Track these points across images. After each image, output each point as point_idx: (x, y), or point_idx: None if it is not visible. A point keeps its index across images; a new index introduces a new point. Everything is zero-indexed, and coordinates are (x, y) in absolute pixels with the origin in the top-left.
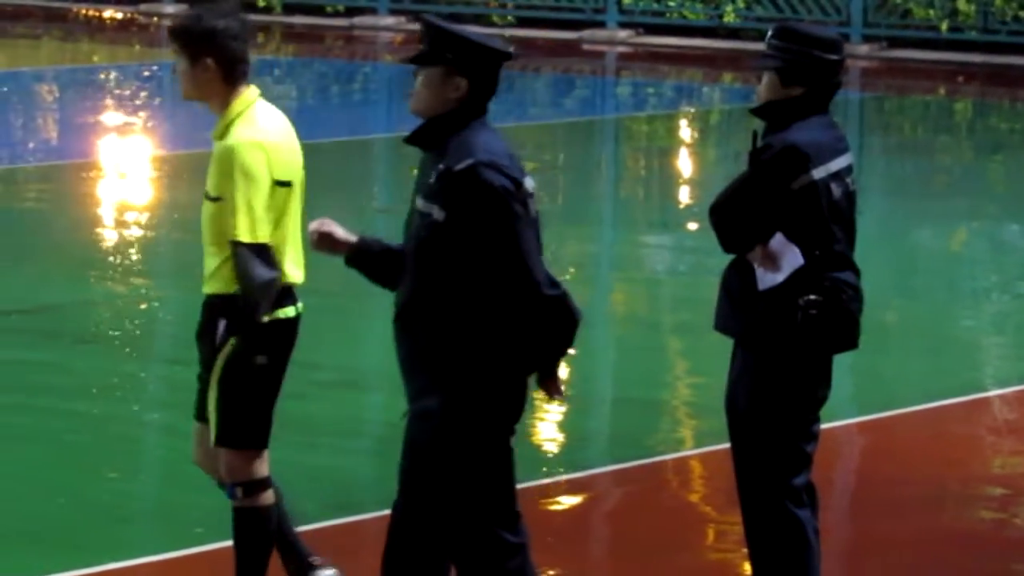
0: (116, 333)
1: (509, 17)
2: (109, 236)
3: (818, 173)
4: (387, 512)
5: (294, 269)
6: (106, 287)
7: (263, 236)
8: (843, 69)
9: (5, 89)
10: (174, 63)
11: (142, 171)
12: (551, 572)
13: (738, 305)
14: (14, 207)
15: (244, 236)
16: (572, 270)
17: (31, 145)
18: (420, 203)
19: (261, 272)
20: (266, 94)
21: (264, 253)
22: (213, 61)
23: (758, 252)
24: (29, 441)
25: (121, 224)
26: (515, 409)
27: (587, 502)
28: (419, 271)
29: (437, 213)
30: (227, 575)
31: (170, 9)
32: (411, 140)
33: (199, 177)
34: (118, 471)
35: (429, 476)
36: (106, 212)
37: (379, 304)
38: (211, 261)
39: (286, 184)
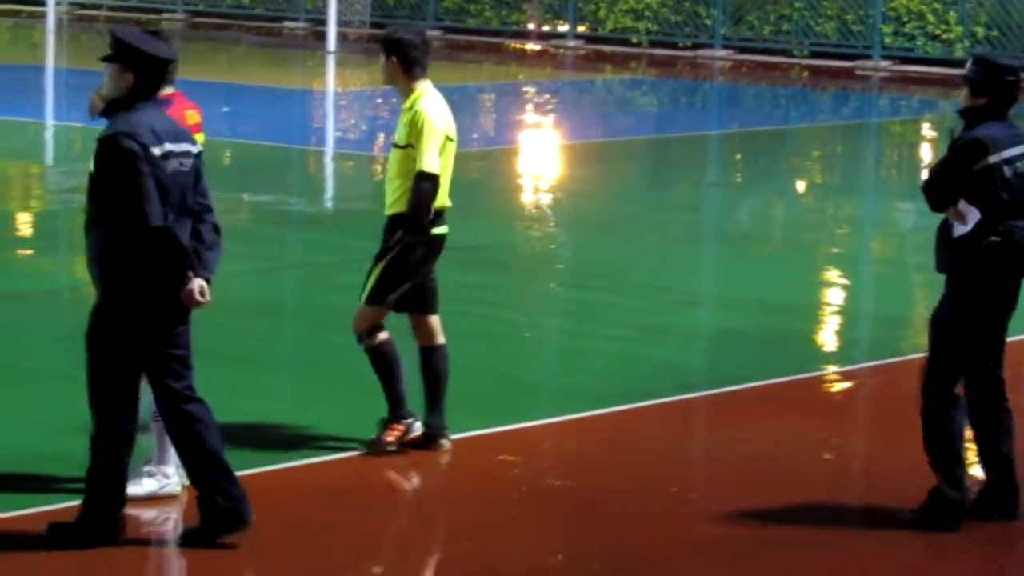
0: (530, 264)
1: (805, 51)
2: (525, 198)
3: (994, 158)
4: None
5: (445, 199)
6: (524, 232)
7: (436, 168)
8: (1020, 88)
9: (457, 98)
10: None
11: (551, 154)
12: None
13: (943, 249)
14: (462, 177)
15: (426, 168)
16: (846, 227)
17: (474, 135)
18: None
19: (427, 188)
20: (635, 103)
21: (434, 180)
22: (396, 60)
23: (951, 211)
24: (466, 336)
25: (534, 190)
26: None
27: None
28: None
29: None
30: (601, 437)
31: (572, 43)
32: None
33: (592, 158)
34: (523, 357)
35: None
36: (525, 182)
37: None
38: (393, 193)
39: (451, 140)
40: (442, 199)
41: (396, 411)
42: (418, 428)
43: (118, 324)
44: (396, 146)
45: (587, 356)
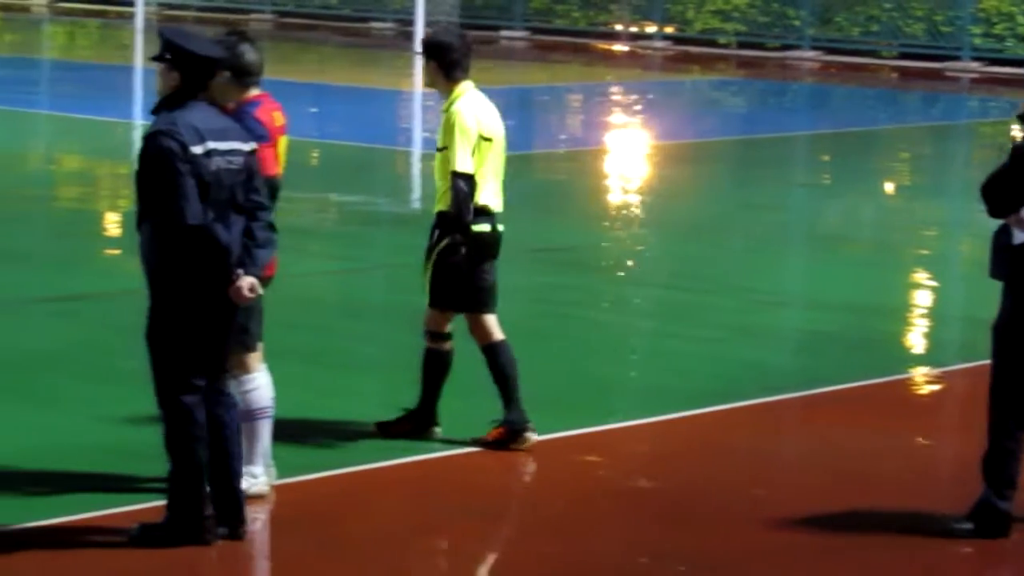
0: (618, 265)
1: (893, 53)
2: (612, 198)
3: None
4: None
5: (492, 199)
6: (611, 233)
7: (470, 168)
8: None
9: (546, 98)
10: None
11: (638, 155)
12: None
13: (1000, 255)
14: (551, 179)
15: (458, 168)
16: (934, 229)
17: (561, 136)
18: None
19: (462, 187)
20: (723, 104)
21: (468, 179)
22: (436, 64)
23: (1013, 218)
24: (553, 337)
25: (622, 191)
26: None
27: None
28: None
29: None
30: (688, 438)
31: (659, 44)
32: None
33: (680, 158)
34: (610, 358)
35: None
36: (612, 183)
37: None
38: (436, 193)
39: (488, 139)
40: (482, 198)
41: (427, 410)
42: (438, 432)
43: (169, 322)
44: (438, 149)
45: (675, 357)
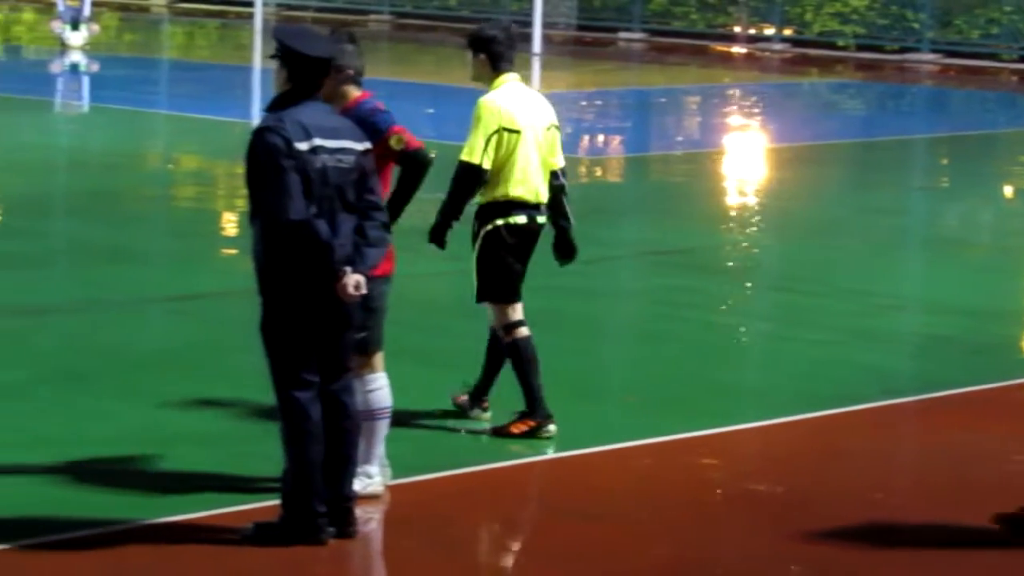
0: (735, 267)
1: (1014, 55)
2: (729, 200)
3: None
4: None
5: (525, 190)
6: (729, 235)
7: (476, 159)
8: None
9: (664, 100)
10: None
11: (756, 157)
12: None
13: None
14: (668, 181)
15: (464, 156)
16: None
17: (679, 138)
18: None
19: (461, 175)
20: (841, 107)
21: (472, 170)
22: (485, 57)
23: None
24: (670, 339)
25: (740, 193)
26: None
27: None
28: None
29: None
30: (805, 441)
31: (777, 46)
32: None
33: (797, 161)
34: (728, 360)
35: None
36: (730, 185)
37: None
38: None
39: (514, 131)
40: (515, 190)
41: (531, 407)
42: (552, 430)
43: (279, 318)
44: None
45: (792, 360)
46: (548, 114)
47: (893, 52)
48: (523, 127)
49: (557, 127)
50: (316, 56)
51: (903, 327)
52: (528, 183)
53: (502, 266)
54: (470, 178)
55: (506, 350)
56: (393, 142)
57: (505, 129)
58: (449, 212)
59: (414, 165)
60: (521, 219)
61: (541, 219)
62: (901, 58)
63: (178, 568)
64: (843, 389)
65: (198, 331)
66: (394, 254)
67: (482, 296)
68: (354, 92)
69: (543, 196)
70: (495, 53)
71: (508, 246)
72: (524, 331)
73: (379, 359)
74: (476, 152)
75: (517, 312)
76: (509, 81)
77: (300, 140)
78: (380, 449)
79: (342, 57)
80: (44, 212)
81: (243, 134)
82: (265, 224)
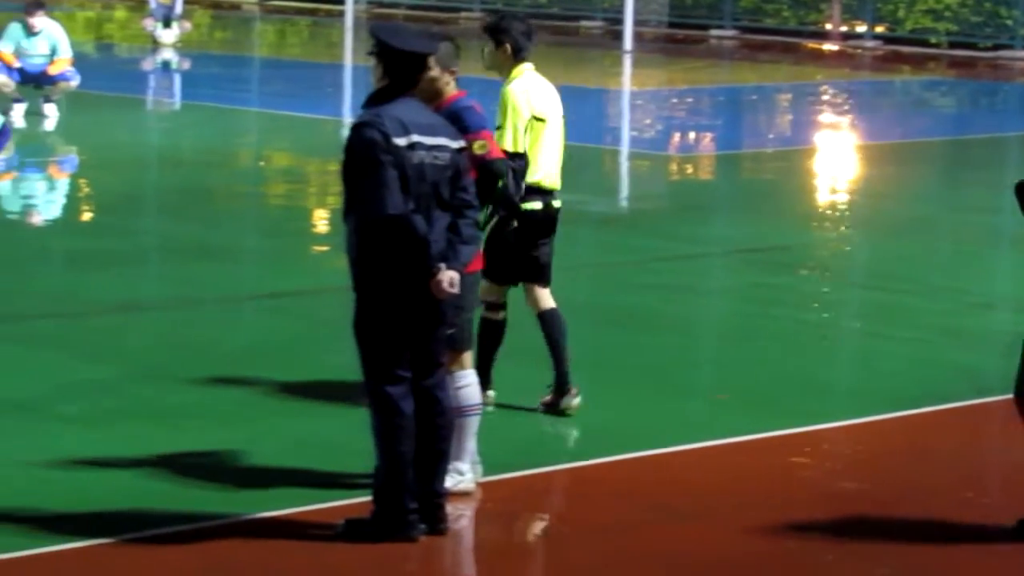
0: (827, 265)
1: None
2: (820, 198)
3: None
4: None
5: (545, 176)
6: (820, 233)
7: (521, 148)
8: None
9: (755, 97)
10: (483, 45)
11: (847, 155)
12: None
13: None
14: (760, 178)
15: (507, 147)
16: None
17: (770, 136)
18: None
19: (510, 166)
20: (933, 104)
21: (516, 157)
22: (509, 46)
23: None
24: (761, 337)
25: (831, 191)
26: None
27: None
28: None
29: None
30: (895, 439)
31: (870, 43)
32: None
33: (889, 159)
34: (819, 359)
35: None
36: (821, 183)
37: None
38: None
39: (541, 119)
40: (533, 177)
41: (482, 376)
42: (491, 396)
43: (372, 314)
44: (496, 127)
45: (883, 358)
46: (559, 103)
47: (986, 49)
48: (548, 115)
49: (563, 116)
50: (413, 51)
51: (994, 325)
52: (547, 170)
53: (506, 249)
54: (521, 165)
55: (481, 323)
56: (477, 146)
57: (535, 117)
58: (512, 206)
59: (487, 175)
60: (536, 204)
61: (556, 203)
62: (994, 55)
63: (270, 564)
64: (934, 388)
65: (290, 328)
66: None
67: (488, 275)
68: (451, 90)
69: (558, 183)
70: (518, 43)
71: (521, 230)
72: (501, 315)
73: (468, 357)
74: (518, 141)
75: (502, 295)
76: (528, 70)
77: (398, 136)
78: (471, 445)
79: (439, 55)
80: (136, 210)
81: (334, 132)
82: (361, 219)
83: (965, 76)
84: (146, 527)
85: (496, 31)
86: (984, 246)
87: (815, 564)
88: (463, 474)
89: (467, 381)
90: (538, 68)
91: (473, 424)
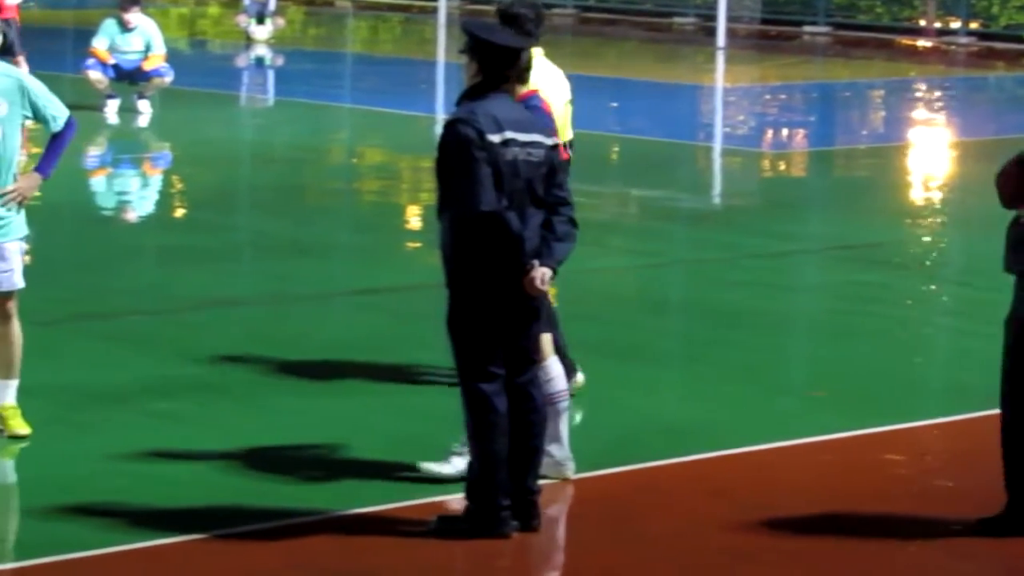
0: (920, 262)
1: None
2: (914, 195)
3: None
4: None
5: None
6: (913, 229)
7: None
8: None
9: (848, 94)
10: None
11: (941, 152)
12: None
13: (1014, 249)
14: (853, 175)
15: None
16: None
17: (863, 132)
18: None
19: None
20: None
21: None
22: (514, 32)
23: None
24: (856, 334)
25: (924, 188)
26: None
27: None
28: None
29: None
30: (991, 437)
31: (964, 40)
32: None
33: (982, 155)
34: (913, 355)
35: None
36: (915, 180)
37: None
38: None
39: None
40: None
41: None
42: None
43: (465, 310)
44: None
45: (977, 355)
46: (567, 88)
47: None
48: (553, 101)
49: (571, 102)
50: (506, 46)
51: None
52: None
53: None
54: None
55: None
56: None
57: None
58: None
59: None
60: None
61: None
62: None
63: (363, 560)
64: None
65: (382, 324)
66: None
67: None
68: (523, 88)
69: None
70: (525, 30)
71: None
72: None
73: (548, 345)
74: None
75: None
76: (537, 55)
77: (492, 132)
78: (563, 431)
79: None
80: (229, 206)
81: (427, 128)
82: (455, 216)
83: None
84: (237, 523)
85: (504, 18)
86: None
87: (908, 560)
88: (554, 456)
89: (553, 373)
90: (630, 64)
91: (563, 411)
